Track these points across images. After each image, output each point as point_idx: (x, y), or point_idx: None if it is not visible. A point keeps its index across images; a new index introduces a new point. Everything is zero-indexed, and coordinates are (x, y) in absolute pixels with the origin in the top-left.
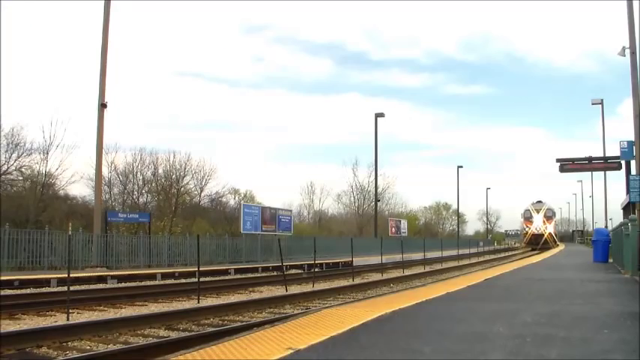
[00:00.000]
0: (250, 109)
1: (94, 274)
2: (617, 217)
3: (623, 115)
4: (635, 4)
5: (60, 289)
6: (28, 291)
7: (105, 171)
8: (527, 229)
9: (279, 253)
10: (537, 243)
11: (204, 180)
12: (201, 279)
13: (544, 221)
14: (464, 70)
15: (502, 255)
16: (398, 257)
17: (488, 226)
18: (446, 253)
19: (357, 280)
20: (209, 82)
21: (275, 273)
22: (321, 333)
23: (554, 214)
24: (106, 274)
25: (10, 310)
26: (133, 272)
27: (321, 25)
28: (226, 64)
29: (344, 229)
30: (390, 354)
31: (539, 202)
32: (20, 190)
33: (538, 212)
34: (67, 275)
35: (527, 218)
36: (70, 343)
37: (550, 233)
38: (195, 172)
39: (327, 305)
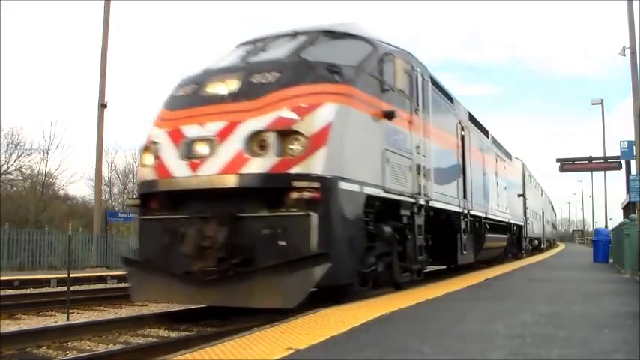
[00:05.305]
0: None
1: (94, 274)
2: (617, 217)
3: (623, 115)
4: (635, 4)
5: (60, 289)
6: (28, 291)
7: (105, 171)
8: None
9: None
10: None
11: None
12: None
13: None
14: (465, 70)
15: None
16: None
17: None
18: None
19: None
20: None
21: None
22: (321, 333)
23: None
24: (106, 274)
25: (10, 310)
26: None
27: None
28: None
29: None
30: (390, 354)
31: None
32: (20, 190)
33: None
34: (67, 275)
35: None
36: (70, 343)
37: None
38: None
39: (327, 305)
